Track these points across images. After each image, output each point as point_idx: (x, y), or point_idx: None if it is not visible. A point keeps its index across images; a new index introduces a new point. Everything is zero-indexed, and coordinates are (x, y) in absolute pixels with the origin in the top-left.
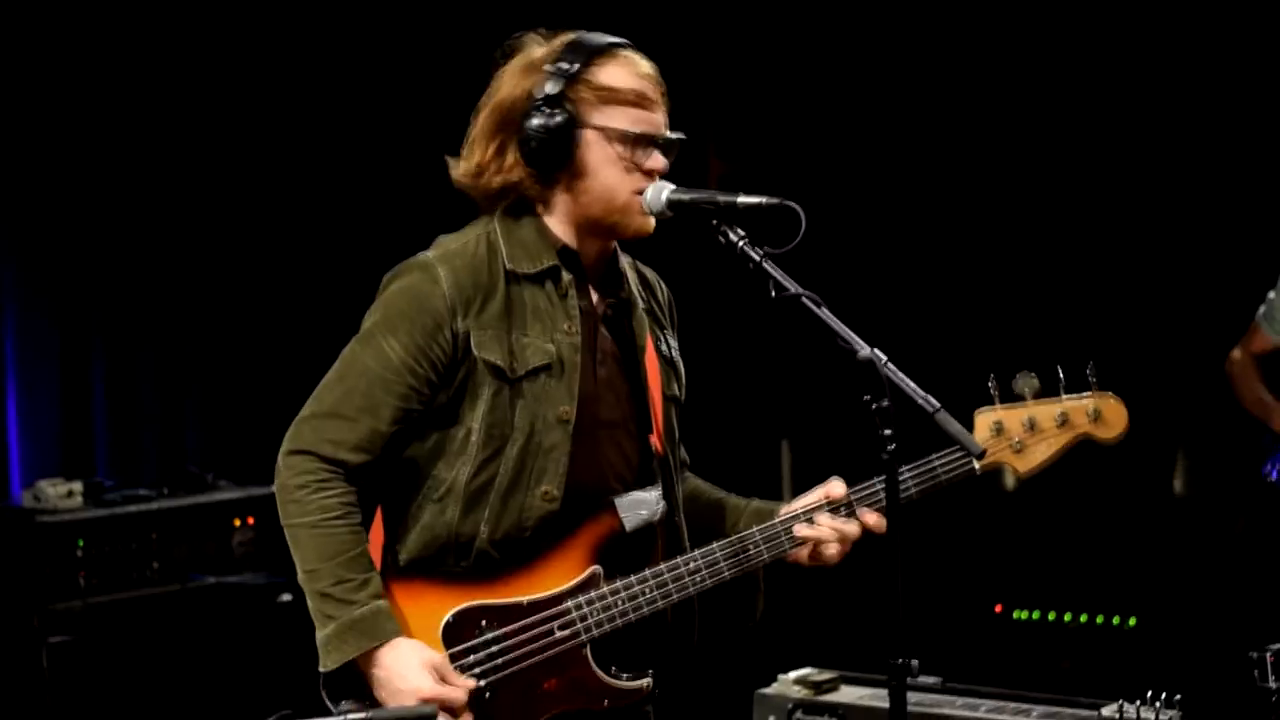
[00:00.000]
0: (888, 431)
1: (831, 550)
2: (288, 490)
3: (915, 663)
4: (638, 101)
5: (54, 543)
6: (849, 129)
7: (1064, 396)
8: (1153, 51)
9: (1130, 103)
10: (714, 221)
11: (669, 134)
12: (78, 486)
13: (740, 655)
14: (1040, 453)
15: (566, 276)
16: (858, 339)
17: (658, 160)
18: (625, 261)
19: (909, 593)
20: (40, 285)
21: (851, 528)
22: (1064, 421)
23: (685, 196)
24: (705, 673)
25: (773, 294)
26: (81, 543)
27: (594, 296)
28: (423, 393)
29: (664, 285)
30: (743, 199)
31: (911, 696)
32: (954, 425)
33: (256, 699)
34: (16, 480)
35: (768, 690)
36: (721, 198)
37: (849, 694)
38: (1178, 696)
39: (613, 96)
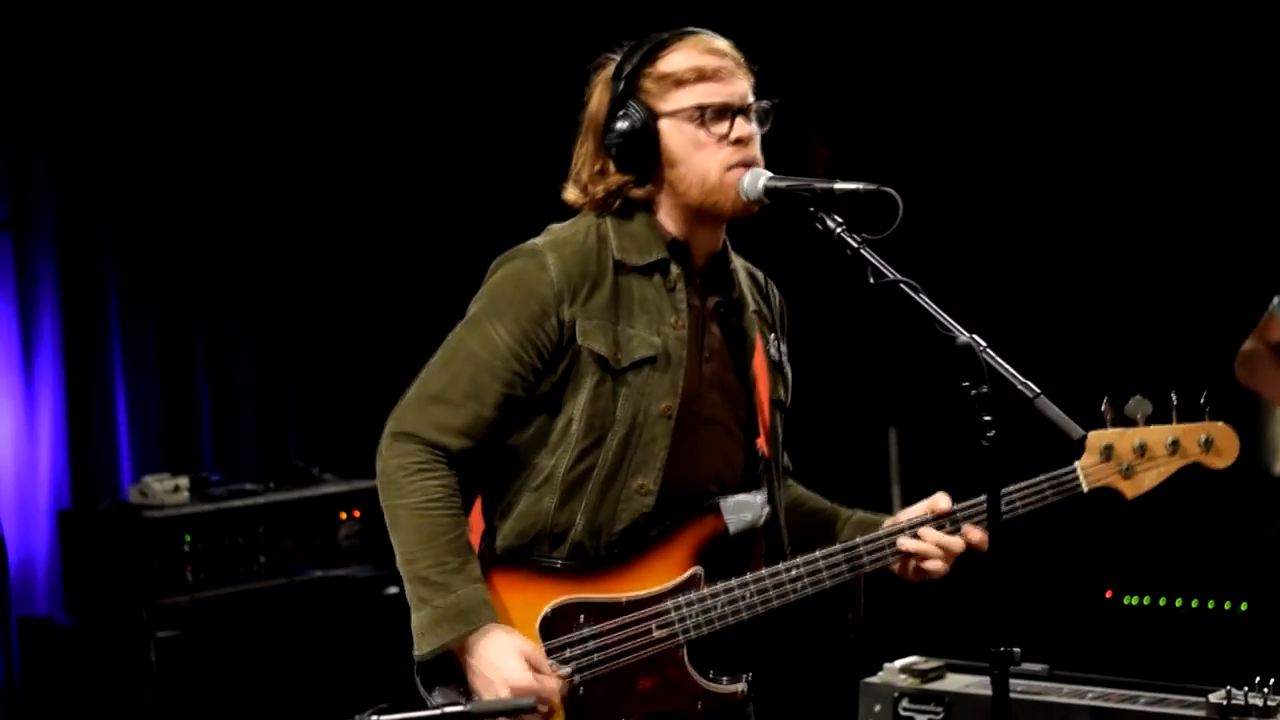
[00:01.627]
0: (988, 417)
1: (935, 565)
2: (390, 473)
3: (1017, 651)
4: (702, 77)
5: (161, 538)
6: (955, 114)
7: (1176, 423)
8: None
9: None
10: (811, 209)
11: (751, 101)
12: (184, 482)
13: (846, 644)
14: (1150, 478)
15: (675, 270)
16: (956, 325)
17: (742, 128)
18: (738, 263)
19: (1019, 580)
20: (143, 283)
21: (955, 543)
22: (1175, 448)
23: (782, 184)
24: (812, 662)
25: (871, 280)
26: (188, 537)
27: (703, 293)
28: (528, 380)
29: (775, 289)
30: (839, 185)
31: (1018, 684)
32: (1054, 410)
33: (363, 692)
34: (126, 476)
35: (874, 679)
36: (818, 184)
37: (955, 682)
38: None
39: (674, 80)
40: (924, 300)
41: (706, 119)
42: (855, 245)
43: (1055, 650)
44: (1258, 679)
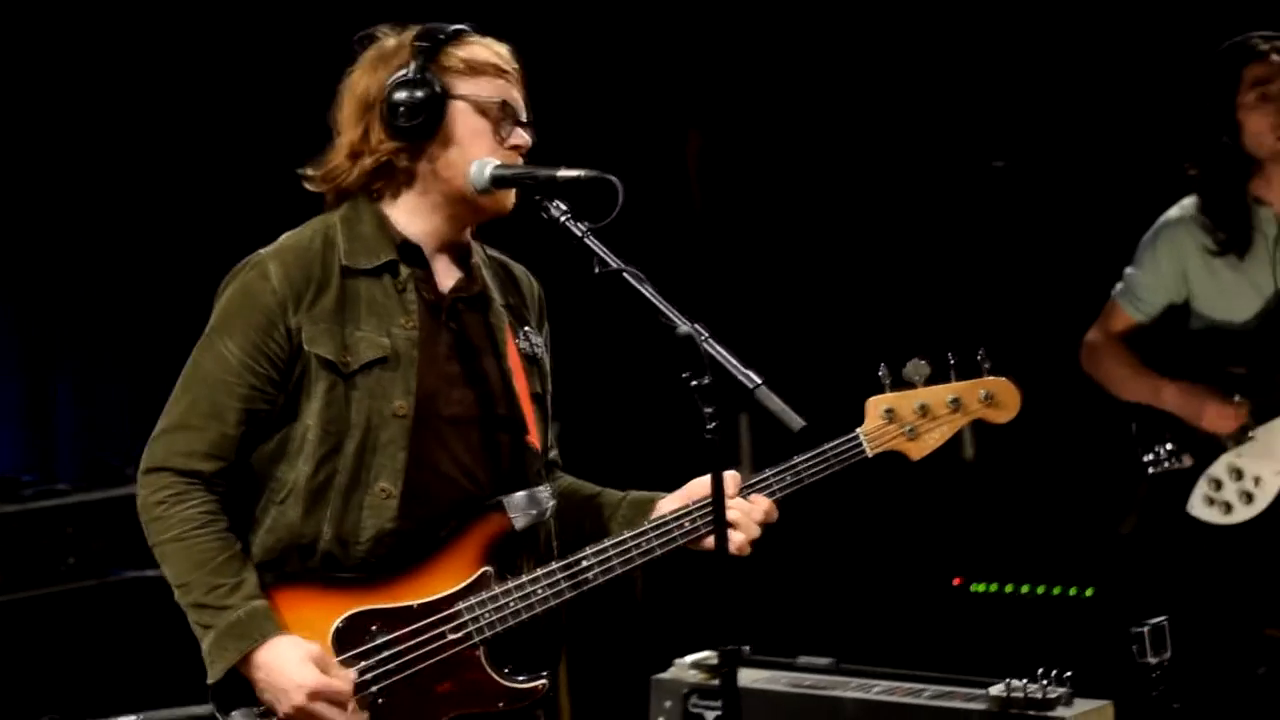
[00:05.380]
0: (709, 409)
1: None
2: (148, 509)
3: (746, 648)
4: (500, 74)
5: None
6: (827, 103)
7: (955, 381)
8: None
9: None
10: (536, 197)
11: (526, 115)
12: None
13: (638, 640)
14: (934, 438)
15: (405, 271)
16: (678, 315)
17: (521, 137)
18: (481, 257)
19: (866, 571)
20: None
21: (756, 513)
22: (956, 405)
23: (507, 172)
24: (603, 659)
25: (596, 269)
26: None
27: (441, 290)
28: (267, 392)
29: (533, 280)
30: (562, 172)
31: (805, 678)
32: (774, 401)
33: (183, 692)
34: None
35: (664, 675)
36: (541, 172)
37: (745, 677)
38: (1068, 673)
39: (478, 66)
40: (647, 290)
41: (498, 116)
42: (579, 234)
43: (902, 638)
44: (1039, 670)
